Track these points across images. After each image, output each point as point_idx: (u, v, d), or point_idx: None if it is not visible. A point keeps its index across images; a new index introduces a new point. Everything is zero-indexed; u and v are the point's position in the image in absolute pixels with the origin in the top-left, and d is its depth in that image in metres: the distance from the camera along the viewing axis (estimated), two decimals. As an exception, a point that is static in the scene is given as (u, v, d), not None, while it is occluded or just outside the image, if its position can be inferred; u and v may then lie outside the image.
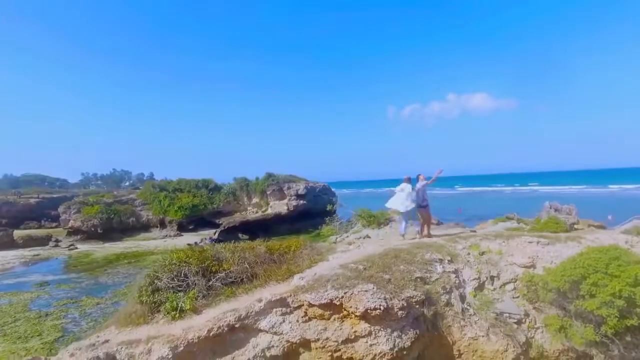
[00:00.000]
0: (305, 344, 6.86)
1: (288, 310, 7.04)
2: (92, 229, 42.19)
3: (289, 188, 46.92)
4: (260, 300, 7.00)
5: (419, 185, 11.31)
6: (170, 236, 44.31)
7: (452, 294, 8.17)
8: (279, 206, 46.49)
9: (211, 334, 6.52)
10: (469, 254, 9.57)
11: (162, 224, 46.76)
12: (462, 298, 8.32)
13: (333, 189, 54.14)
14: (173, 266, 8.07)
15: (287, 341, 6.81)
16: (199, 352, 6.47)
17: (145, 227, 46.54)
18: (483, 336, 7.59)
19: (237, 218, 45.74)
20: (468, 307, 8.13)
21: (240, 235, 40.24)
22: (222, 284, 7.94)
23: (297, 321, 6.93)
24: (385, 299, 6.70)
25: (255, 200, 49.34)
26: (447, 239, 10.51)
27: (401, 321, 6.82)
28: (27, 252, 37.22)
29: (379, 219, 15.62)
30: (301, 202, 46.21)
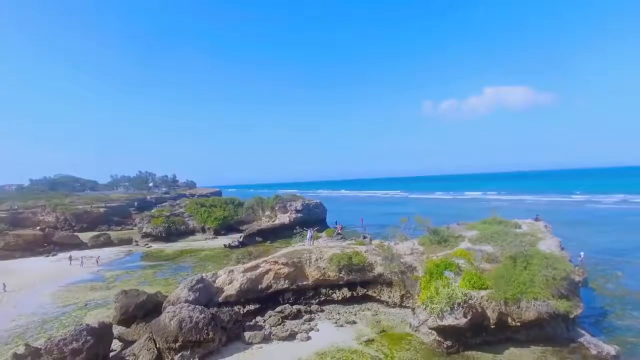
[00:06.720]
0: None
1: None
2: (159, 234, 62.73)
3: (290, 205, 67.50)
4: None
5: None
6: (209, 238, 64.98)
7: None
8: (283, 218, 67.17)
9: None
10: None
11: (203, 230, 67.45)
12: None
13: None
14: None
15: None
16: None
17: (192, 232, 67.17)
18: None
19: (255, 226, 66.35)
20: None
21: (257, 238, 60.83)
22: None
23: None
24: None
25: (267, 213, 70.04)
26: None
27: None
28: (122, 249, 57.70)
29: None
30: (299, 215, 66.91)
